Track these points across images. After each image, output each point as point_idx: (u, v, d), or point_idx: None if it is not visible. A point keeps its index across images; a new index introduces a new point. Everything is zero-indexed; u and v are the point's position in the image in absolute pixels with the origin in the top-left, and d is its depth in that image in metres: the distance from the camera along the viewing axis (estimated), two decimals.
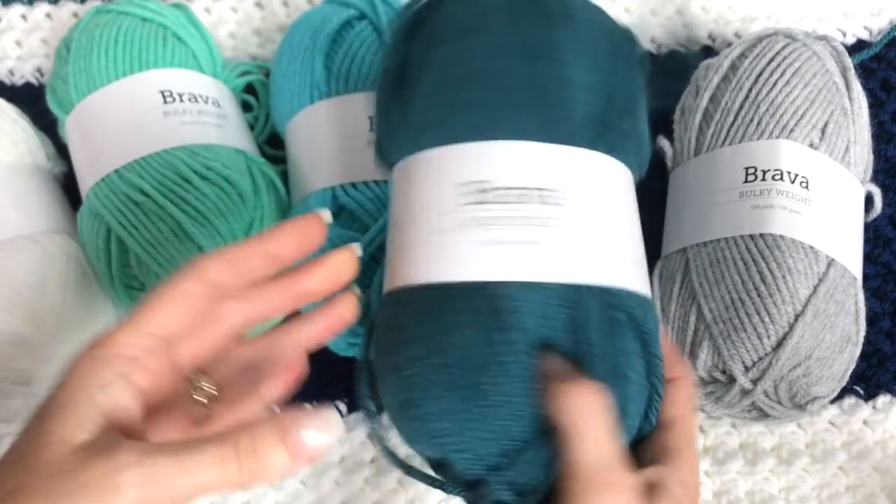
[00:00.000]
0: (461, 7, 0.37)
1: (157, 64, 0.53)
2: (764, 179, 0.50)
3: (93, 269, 0.52)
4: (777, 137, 0.50)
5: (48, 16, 0.66)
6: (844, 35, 0.63)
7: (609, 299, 0.35)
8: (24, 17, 0.66)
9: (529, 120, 0.35)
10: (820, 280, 0.47)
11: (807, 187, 0.49)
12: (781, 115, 0.51)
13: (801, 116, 0.50)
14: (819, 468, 0.53)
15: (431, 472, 0.38)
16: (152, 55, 0.54)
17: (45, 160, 0.57)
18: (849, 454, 0.53)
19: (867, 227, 0.56)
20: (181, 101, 0.53)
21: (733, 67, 0.54)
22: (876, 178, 0.57)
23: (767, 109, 0.51)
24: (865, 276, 0.56)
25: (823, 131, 0.51)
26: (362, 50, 0.52)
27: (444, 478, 0.37)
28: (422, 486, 0.53)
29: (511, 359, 0.33)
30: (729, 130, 0.52)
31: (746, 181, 0.50)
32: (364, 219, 0.49)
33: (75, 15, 0.66)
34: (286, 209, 0.53)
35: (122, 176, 0.50)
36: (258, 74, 0.60)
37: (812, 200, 0.49)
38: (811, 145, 0.50)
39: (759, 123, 0.51)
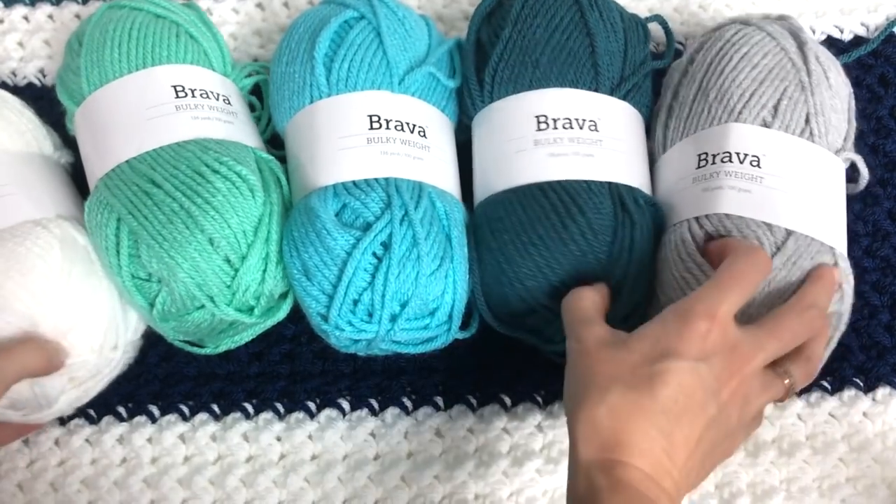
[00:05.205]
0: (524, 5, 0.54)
1: (169, 59, 0.54)
2: (714, 163, 0.51)
3: (98, 258, 0.52)
4: (726, 122, 0.51)
5: (50, 17, 0.66)
6: (842, 32, 0.63)
7: (636, 194, 0.52)
8: (26, 18, 0.66)
9: (573, 74, 0.53)
10: (777, 249, 0.48)
11: (758, 165, 0.50)
12: (728, 100, 0.51)
13: (749, 98, 0.51)
14: (820, 460, 0.53)
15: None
16: (165, 51, 0.54)
17: (51, 150, 0.57)
18: (849, 446, 0.53)
19: (867, 219, 0.57)
20: (193, 96, 0.53)
21: (691, 61, 0.55)
22: (875, 173, 0.57)
23: (716, 97, 0.52)
24: (864, 270, 0.56)
25: (776, 108, 0.51)
26: (361, 50, 0.53)
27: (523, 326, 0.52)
28: (425, 482, 0.54)
29: (575, 234, 0.49)
30: (685, 123, 0.53)
31: (699, 167, 0.51)
32: (366, 216, 0.49)
33: (77, 16, 0.66)
34: (289, 207, 0.53)
35: (133, 167, 0.50)
36: (265, 75, 0.60)
37: (764, 177, 0.50)
38: (764, 124, 0.51)
39: (709, 111, 0.52)
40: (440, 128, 0.54)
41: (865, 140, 0.59)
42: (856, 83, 0.60)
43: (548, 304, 0.50)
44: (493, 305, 0.52)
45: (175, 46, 0.55)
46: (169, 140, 0.51)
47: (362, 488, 0.54)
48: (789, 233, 0.49)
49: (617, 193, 0.51)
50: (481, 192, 0.53)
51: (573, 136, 0.51)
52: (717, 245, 0.48)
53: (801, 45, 0.53)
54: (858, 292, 0.55)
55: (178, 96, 0.52)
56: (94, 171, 0.53)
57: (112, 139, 0.52)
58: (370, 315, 0.49)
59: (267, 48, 0.64)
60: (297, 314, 0.56)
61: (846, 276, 0.50)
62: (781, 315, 0.46)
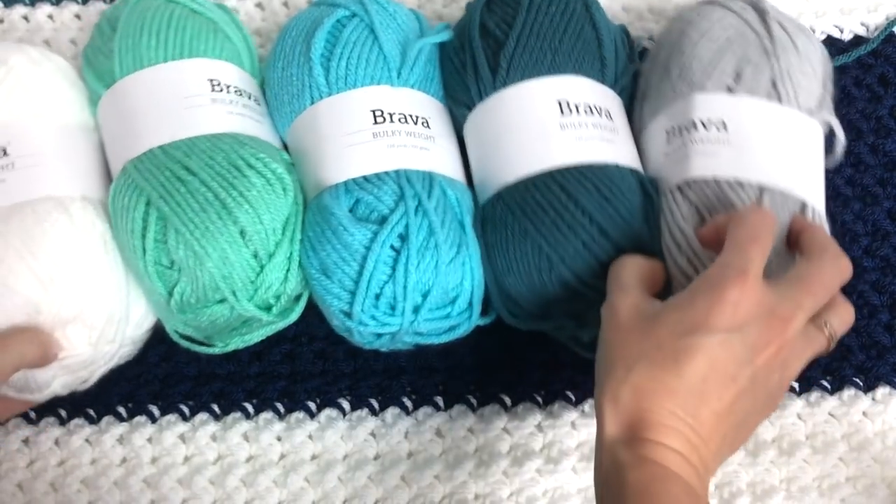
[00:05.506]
0: None
1: (206, 54, 0.54)
2: (680, 135, 0.51)
3: (119, 242, 0.51)
4: (688, 96, 0.52)
5: (50, 17, 0.66)
6: (842, 32, 0.63)
7: (649, 180, 0.52)
8: (26, 18, 0.66)
9: (588, 64, 0.54)
10: None
11: (725, 129, 0.50)
12: (689, 74, 0.52)
13: (710, 68, 0.52)
14: (819, 459, 0.53)
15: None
16: (202, 45, 0.54)
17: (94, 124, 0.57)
18: (849, 445, 0.53)
19: (867, 219, 0.57)
20: (228, 92, 0.53)
21: (658, 46, 0.56)
22: (875, 173, 0.58)
23: (678, 73, 0.53)
24: (864, 270, 0.56)
25: (739, 74, 0.52)
26: (357, 47, 0.53)
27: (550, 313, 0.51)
28: (425, 482, 0.54)
29: (621, 209, 0.49)
30: (654, 104, 0.54)
31: (668, 142, 0.52)
32: (380, 209, 0.49)
33: (77, 16, 0.66)
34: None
35: (167, 152, 0.50)
36: None
37: (732, 140, 0.50)
38: (728, 90, 0.51)
39: (673, 89, 0.53)
40: (442, 118, 0.55)
41: (865, 140, 0.59)
42: (856, 83, 0.61)
43: (592, 283, 0.49)
44: (522, 299, 0.51)
45: (212, 42, 0.55)
46: (205, 131, 0.51)
47: (362, 488, 0.54)
48: (762, 190, 0.49)
49: (638, 179, 0.51)
50: (499, 179, 0.52)
51: (595, 122, 0.52)
52: (709, 227, 0.48)
53: (762, 14, 0.53)
54: (858, 292, 0.56)
55: (214, 90, 0.53)
56: (121, 153, 0.52)
57: (145, 123, 0.52)
58: (393, 308, 0.49)
59: (266, 48, 0.64)
60: None
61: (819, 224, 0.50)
62: (812, 268, 0.45)
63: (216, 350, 0.53)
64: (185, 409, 0.56)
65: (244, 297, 0.49)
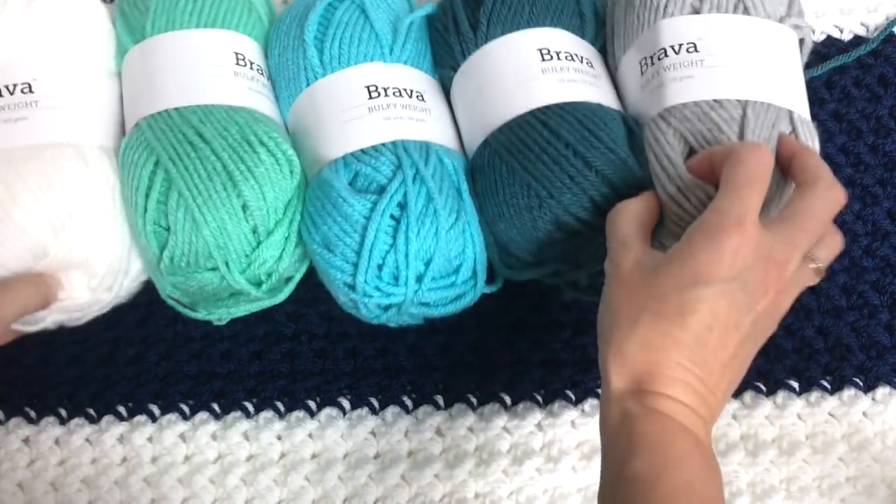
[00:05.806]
0: None
1: (237, 28, 0.55)
2: (653, 64, 0.51)
3: (123, 196, 0.52)
4: (654, 23, 0.52)
5: None
6: (842, 32, 0.63)
7: (624, 115, 0.53)
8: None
9: (566, 19, 0.55)
10: (742, 125, 0.48)
11: (696, 50, 0.50)
12: (653, 1, 0.52)
13: None
14: (819, 459, 0.53)
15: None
16: (235, 19, 0.55)
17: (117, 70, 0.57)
18: (849, 445, 0.53)
19: (867, 219, 0.57)
20: (251, 68, 0.54)
21: None
22: (875, 173, 0.58)
23: (641, 2, 0.53)
24: (864, 270, 0.56)
25: None
26: (350, 27, 0.54)
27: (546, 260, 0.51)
28: (425, 481, 0.54)
29: (605, 140, 0.49)
30: (624, 41, 0.54)
31: (642, 74, 0.52)
32: (379, 180, 0.50)
33: None
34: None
35: (182, 115, 0.51)
36: None
37: (705, 59, 0.50)
38: (694, 11, 0.51)
39: (639, 20, 0.53)
40: (436, 92, 0.56)
41: (865, 140, 0.59)
42: (856, 83, 0.61)
43: (584, 218, 0.49)
44: (515, 246, 0.51)
45: (245, 19, 0.56)
46: (223, 101, 0.52)
47: (362, 487, 0.54)
48: (744, 105, 0.49)
49: (623, 119, 0.52)
50: (485, 129, 0.53)
51: (576, 68, 0.53)
52: (701, 159, 0.47)
53: None
54: (858, 292, 0.56)
55: (238, 63, 0.54)
56: (138, 108, 0.53)
57: (165, 83, 0.52)
58: (396, 278, 0.49)
59: None
60: (297, 313, 0.56)
61: (812, 139, 0.50)
62: (807, 202, 0.44)
63: (199, 316, 0.53)
64: (186, 409, 0.56)
65: (237, 269, 0.50)
